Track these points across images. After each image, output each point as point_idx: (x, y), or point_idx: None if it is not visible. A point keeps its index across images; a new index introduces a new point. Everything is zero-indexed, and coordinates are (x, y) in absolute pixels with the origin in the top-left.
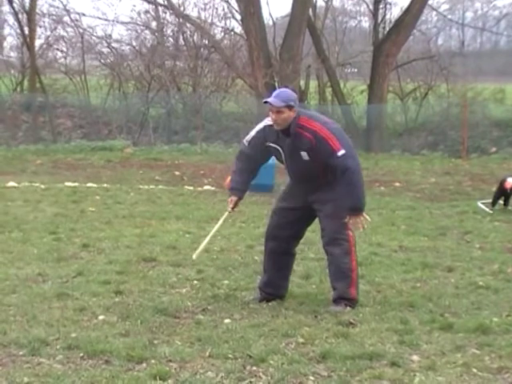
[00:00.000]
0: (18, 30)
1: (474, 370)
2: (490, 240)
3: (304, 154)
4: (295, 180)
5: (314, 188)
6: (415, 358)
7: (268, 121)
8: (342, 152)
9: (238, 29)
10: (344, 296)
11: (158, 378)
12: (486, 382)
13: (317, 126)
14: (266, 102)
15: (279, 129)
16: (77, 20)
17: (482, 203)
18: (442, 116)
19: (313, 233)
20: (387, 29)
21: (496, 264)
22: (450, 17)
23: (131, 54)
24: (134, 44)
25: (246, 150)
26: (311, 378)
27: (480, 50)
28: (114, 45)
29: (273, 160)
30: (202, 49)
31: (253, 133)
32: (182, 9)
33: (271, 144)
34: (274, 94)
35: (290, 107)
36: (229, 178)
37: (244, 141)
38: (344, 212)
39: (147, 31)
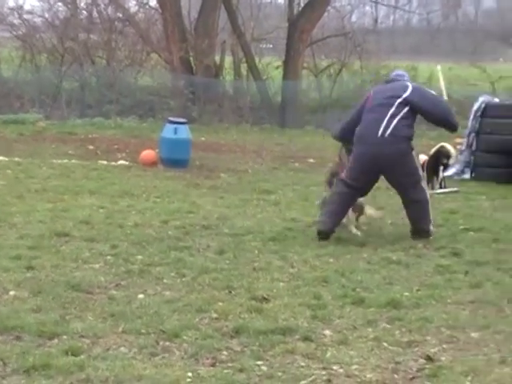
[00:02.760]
0: None
1: (385, 344)
2: (401, 216)
3: None
4: None
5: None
6: (327, 332)
7: None
8: None
9: (153, 2)
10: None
11: (69, 353)
12: (396, 355)
13: None
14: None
15: None
16: None
17: None
18: (356, 93)
19: (227, 208)
20: (302, 5)
21: (407, 240)
22: None
23: (43, 26)
24: (47, 16)
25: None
26: (224, 352)
27: (393, 27)
28: (26, 16)
29: (188, 135)
30: (116, 22)
31: None
32: None
33: None
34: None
35: None
36: (145, 152)
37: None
38: None
39: (60, 3)
